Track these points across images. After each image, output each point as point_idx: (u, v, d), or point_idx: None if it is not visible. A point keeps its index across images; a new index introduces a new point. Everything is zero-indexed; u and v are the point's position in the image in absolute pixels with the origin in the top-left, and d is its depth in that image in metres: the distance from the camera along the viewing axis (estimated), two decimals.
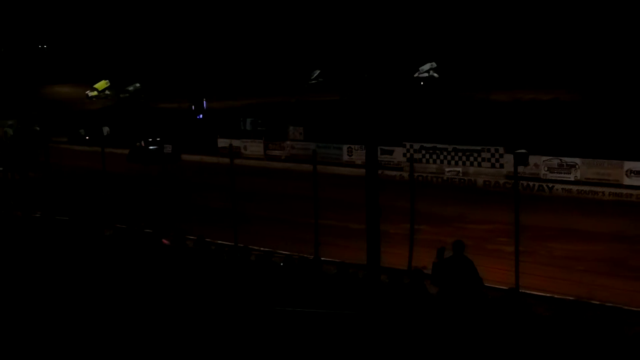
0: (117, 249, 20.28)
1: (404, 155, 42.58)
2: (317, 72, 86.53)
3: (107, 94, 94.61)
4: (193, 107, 65.23)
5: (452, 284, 15.25)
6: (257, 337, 13.84)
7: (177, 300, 15.39)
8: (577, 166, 36.82)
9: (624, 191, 34.88)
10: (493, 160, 39.52)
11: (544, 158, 37.81)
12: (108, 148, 38.75)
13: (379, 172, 21.65)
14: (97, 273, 18.00)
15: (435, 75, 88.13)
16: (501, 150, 39.33)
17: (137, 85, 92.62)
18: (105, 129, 63.10)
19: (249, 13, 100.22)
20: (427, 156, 41.99)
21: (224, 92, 79.95)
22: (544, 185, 37.05)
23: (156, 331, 14.23)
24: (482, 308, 14.47)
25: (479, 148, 40.18)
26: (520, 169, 36.15)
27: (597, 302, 16.52)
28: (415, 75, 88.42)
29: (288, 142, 50.43)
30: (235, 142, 50.49)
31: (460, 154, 40.85)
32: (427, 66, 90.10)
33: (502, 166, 39.18)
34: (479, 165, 40.06)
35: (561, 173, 37.27)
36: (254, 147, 51.93)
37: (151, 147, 52.38)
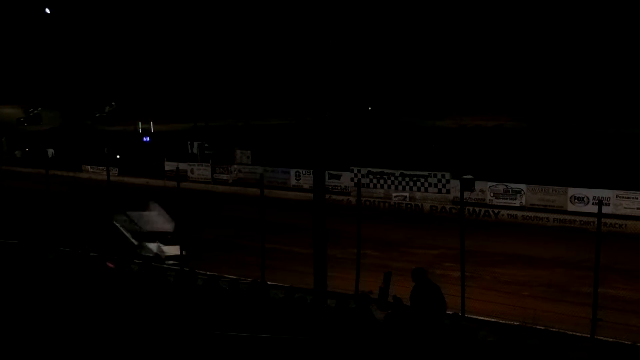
0: (61, 272, 19.86)
1: (352, 179, 42.68)
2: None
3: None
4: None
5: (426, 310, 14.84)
6: None
7: (119, 324, 15.10)
8: (522, 192, 37.21)
9: (568, 217, 35.35)
10: (440, 185, 39.82)
11: (490, 184, 38.17)
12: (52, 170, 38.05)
13: (327, 196, 21.61)
14: (38, 297, 17.59)
15: None
16: (448, 175, 39.67)
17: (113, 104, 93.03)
18: (50, 151, 62.35)
19: (195, 37, 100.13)
20: (375, 181, 42.15)
21: (171, 115, 79.54)
22: (490, 210, 37.37)
23: (97, 357, 13.92)
24: (428, 332, 14.42)
25: (425, 173, 40.46)
26: (467, 194, 36.62)
27: (542, 327, 16.58)
28: None
29: (235, 166, 50.23)
30: (182, 166, 50.17)
31: (407, 179, 41.08)
32: None
33: (448, 191, 39.52)
34: (426, 190, 40.31)
35: (507, 199, 37.64)
36: (201, 171, 51.59)
37: None
